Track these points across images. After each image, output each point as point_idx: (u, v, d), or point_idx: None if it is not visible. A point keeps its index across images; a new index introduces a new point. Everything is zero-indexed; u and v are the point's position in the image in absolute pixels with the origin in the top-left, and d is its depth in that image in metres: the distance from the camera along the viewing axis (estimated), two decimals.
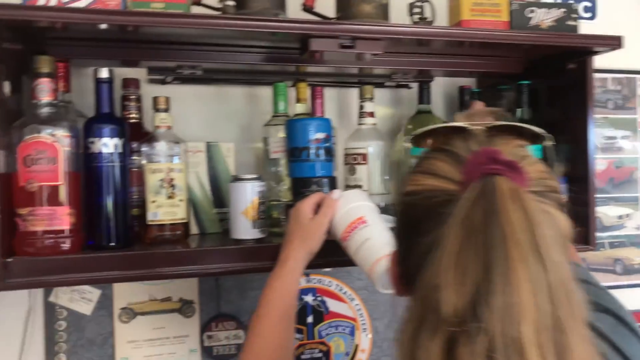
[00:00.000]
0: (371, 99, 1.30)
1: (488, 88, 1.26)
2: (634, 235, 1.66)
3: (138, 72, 1.19)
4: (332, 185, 1.07)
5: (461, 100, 1.32)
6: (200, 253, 0.99)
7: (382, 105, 1.42)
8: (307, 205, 0.97)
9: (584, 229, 1.15)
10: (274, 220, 1.16)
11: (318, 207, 0.98)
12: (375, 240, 0.91)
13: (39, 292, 1.22)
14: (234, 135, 1.33)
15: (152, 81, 1.25)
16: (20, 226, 0.90)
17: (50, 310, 1.22)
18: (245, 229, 1.03)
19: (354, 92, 1.40)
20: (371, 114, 1.30)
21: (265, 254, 1.01)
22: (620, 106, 1.65)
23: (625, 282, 1.66)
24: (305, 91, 1.25)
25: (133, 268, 0.95)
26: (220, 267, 0.99)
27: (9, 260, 0.88)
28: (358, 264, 0.93)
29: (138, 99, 1.14)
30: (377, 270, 0.88)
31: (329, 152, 1.07)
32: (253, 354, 0.85)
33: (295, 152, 1.06)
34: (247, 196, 1.03)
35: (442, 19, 1.16)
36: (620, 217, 1.63)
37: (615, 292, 1.70)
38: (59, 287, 1.21)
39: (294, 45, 1.01)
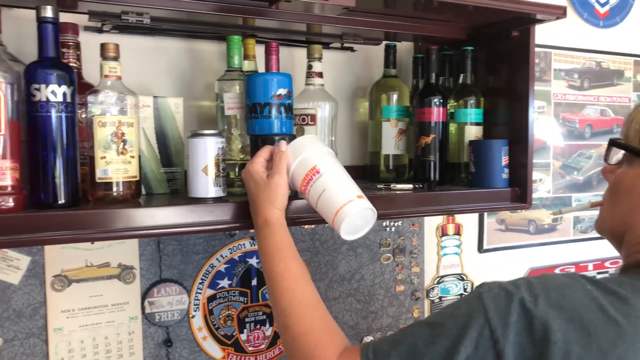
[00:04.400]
0: (320, 58, 1.28)
1: (433, 53, 1.29)
2: (544, 198, 1.80)
3: (75, 20, 1.07)
4: None
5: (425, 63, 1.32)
6: (157, 211, 0.93)
7: (331, 67, 1.40)
8: (257, 164, 0.94)
9: (522, 189, 1.23)
10: (228, 180, 1.12)
11: (270, 163, 0.95)
12: (331, 190, 0.90)
13: None
14: (174, 92, 1.25)
15: (87, 29, 1.15)
16: None
17: None
18: (204, 188, 0.98)
19: (296, 52, 1.38)
20: (320, 74, 1.29)
21: (230, 211, 0.97)
22: (538, 78, 1.77)
23: (537, 241, 1.81)
24: (254, 47, 1.21)
25: (85, 228, 0.87)
26: (179, 226, 0.94)
27: None
28: (322, 216, 0.92)
29: (77, 46, 1.04)
30: (338, 220, 0.88)
31: (290, 109, 1.05)
32: (296, 303, 0.82)
33: (257, 108, 1.02)
34: (207, 152, 0.98)
35: None
36: (534, 181, 1.76)
37: (529, 250, 1.84)
38: None
39: None
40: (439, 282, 1.64)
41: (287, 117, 1.04)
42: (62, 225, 0.86)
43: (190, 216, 0.96)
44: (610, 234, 0.79)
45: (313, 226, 1.41)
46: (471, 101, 1.30)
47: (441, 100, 1.27)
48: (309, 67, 1.29)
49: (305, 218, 1.02)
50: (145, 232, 0.93)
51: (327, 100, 1.28)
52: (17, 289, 1.13)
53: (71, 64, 1.02)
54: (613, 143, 0.77)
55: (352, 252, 1.47)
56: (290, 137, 1.04)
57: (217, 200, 0.99)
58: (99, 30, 1.15)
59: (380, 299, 1.52)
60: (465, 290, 1.69)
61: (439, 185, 1.27)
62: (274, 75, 1.03)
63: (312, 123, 1.26)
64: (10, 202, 0.82)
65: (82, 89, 0.97)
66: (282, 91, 1.03)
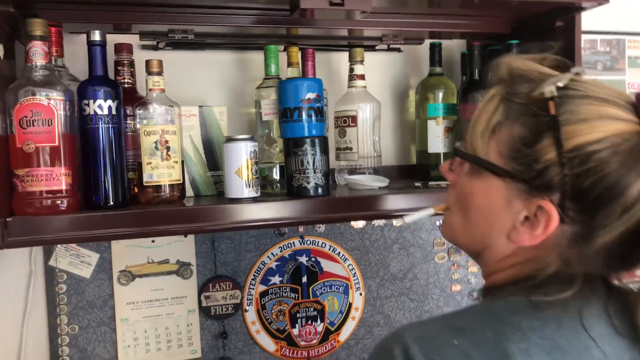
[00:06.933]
0: (361, 61, 1.32)
1: (476, 49, 1.27)
2: None
3: (131, 40, 1.19)
4: (324, 145, 1.09)
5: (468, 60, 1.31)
6: (193, 211, 1.01)
7: (379, 68, 1.43)
8: None
9: None
10: (268, 181, 1.19)
11: None
12: None
13: (39, 257, 1.25)
14: (226, 101, 1.34)
15: (144, 47, 1.26)
16: (19, 187, 0.92)
17: (51, 274, 1.24)
18: (238, 189, 1.05)
19: (343, 56, 1.41)
20: (361, 77, 1.32)
21: (262, 210, 1.03)
22: (609, 67, 1.67)
23: None
24: (297, 55, 1.26)
25: (129, 226, 0.97)
26: (214, 224, 1.02)
27: (9, 219, 0.90)
28: None
29: (131, 64, 1.15)
30: None
31: (320, 112, 1.09)
32: None
33: (287, 112, 1.08)
34: (240, 156, 1.05)
35: None
36: None
37: None
38: (58, 252, 1.24)
39: (284, 6, 1.02)
40: None
41: (317, 120, 1.08)
42: (109, 224, 0.96)
43: (223, 215, 1.03)
44: (466, 249, 0.72)
45: (362, 225, 1.44)
46: None
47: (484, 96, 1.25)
48: (351, 70, 1.32)
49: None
50: (186, 227, 1.01)
51: (369, 102, 1.31)
52: (89, 282, 1.27)
53: (125, 80, 1.13)
54: (459, 154, 0.67)
55: (404, 252, 1.48)
56: (321, 139, 1.09)
57: (250, 200, 1.06)
58: (155, 48, 1.27)
59: (435, 299, 1.51)
60: None
61: None
62: (304, 81, 1.08)
63: (353, 124, 1.29)
64: (64, 204, 0.94)
65: (136, 102, 1.08)
66: (311, 95, 1.07)
